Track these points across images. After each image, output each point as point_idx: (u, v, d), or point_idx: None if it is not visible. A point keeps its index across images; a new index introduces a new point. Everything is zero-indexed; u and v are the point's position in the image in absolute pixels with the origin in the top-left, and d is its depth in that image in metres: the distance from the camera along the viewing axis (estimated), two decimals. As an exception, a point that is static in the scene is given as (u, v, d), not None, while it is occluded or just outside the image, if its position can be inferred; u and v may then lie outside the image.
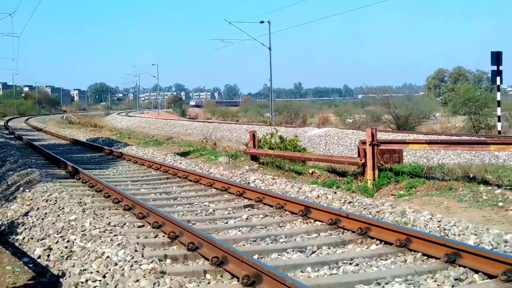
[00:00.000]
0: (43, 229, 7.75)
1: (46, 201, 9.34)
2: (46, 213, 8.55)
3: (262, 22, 44.88)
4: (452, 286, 5.13)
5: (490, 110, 38.84)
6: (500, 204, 8.52)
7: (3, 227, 8.87)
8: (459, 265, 5.52)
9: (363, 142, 11.79)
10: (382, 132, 28.76)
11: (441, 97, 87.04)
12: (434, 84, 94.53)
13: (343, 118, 66.59)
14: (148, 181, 12.33)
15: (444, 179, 10.67)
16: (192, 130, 47.54)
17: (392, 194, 10.23)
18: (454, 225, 6.98)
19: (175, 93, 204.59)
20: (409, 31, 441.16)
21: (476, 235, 6.54)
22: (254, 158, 15.74)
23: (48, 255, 6.74)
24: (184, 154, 18.13)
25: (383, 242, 6.58)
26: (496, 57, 22.70)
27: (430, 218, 7.43)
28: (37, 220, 8.38)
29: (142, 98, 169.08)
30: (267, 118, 53.25)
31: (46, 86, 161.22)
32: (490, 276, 5.21)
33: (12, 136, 31.54)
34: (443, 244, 5.83)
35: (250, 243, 6.87)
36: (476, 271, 5.34)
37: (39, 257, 6.81)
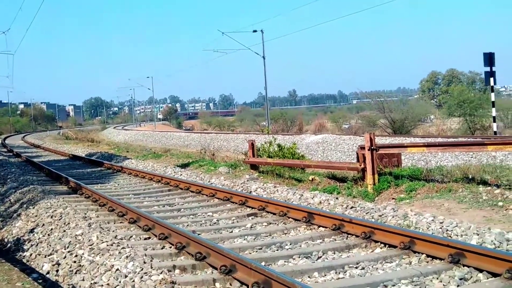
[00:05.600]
0: (50, 245, 7.83)
1: (51, 217, 9.41)
2: (52, 229, 8.63)
3: (255, 31, 44.97)
4: (458, 285, 5.23)
5: (485, 111, 39.06)
6: (500, 203, 8.62)
7: (9, 245, 8.95)
8: (463, 265, 5.63)
9: (362, 147, 11.91)
10: (379, 136, 28.82)
11: (435, 100, 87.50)
12: (428, 87, 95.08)
13: (339, 124, 66.80)
14: (151, 194, 12.41)
15: (443, 181, 10.78)
16: (190, 142, 47.58)
17: (393, 198, 10.33)
18: (456, 226, 7.10)
19: (170, 104, 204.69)
20: (401, 35, 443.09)
21: (478, 235, 6.65)
22: (254, 167, 15.83)
23: (57, 270, 6.81)
24: (183, 166, 18.21)
25: (387, 245, 6.68)
26: (489, 58, 22.85)
27: (432, 220, 7.54)
28: (43, 236, 8.46)
29: (138, 111, 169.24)
30: (263, 127, 53.31)
31: (41, 103, 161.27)
32: (494, 275, 5.31)
33: (11, 153, 31.54)
34: (447, 245, 5.94)
35: (256, 251, 6.97)
36: (480, 270, 5.43)
37: (48, 273, 6.88)
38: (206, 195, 11.26)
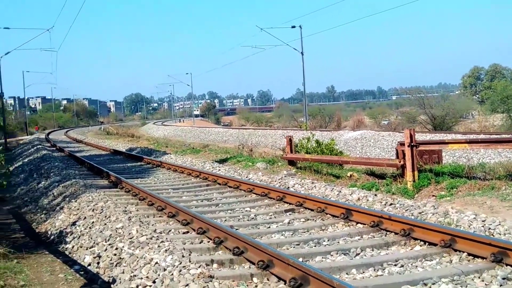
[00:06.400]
0: (91, 238, 7.99)
1: (92, 210, 9.61)
2: (93, 222, 8.81)
3: (293, 27, 44.77)
4: (500, 285, 5.11)
5: (530, 107, 38.01)
6: (545, 202, 8.38)
7: (52, 237, 9.18)
8: (506, 264, 5.50)
9: (402, 144, 11.75)
10: (419, 133, 28.37)
11: (477, 96, 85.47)
12: (470, 82, 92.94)
13: (378, 120, 66.08)
14: (189, 189, 12.52)
15: (486, 178, 10.54)
16: (228, 137, 47.88)
17: (433, 195, 10.16)
18: (499, 224, 6.94)
19: (208, 100, 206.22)
20: (442, 29, 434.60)
21: (522, 233, 6.48)
22: (292, 163, 15.80)
23: (98, 263, 6.95)
24: (221, 161, 18.32)
25: (427, 243, 6.58)
26: (535, 53, 22.22)
27: (474, 218, 7.38)
28: (85, 229, 8.64)
29: (177, 107, 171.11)
30: (301, 122, 53.19)
31: (84, 99, 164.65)
32: (539, 275, 5.17)
33: (54, 148, 32.30)
34: (489, 244, 5.81)
35: (294, 247, 6.95)
36: (524, 270, 5.30)
37: (89, 265, 7.03)
38: (244, 191, 11.30)
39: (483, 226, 6.98)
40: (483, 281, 5.23)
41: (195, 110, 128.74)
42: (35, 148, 31.09)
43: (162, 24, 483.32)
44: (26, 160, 25.21)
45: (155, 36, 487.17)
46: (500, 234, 6.67)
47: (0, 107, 43.97)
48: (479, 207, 8.65)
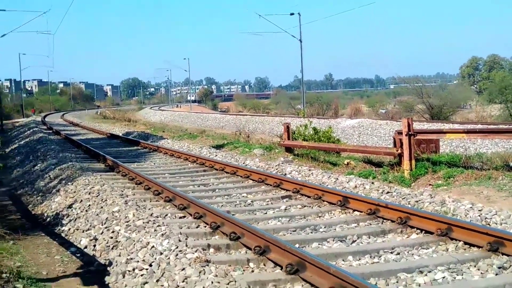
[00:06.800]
0: (87, 220, 7.99)
1: (89, 193, 9.58)
2: (89, 205, 8.79)
3: (292, 14, 44.51)
4: (496, 274, 5.13)
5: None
6: (542, 192, 8.39)
7: (48, 219, 9.17)
8: (502, 254, 5.52)
9: (399, 132, 11.73)
10: (416, 122, 28.40)
11: (475, 86, 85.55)
12: (468, 72, 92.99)
13: (375, 109, 66.02)
14: (186, 174, 12.50)
15: (483, 168, 10.55)
16: (225, 123, 47.83)
17: (430, 184, 10.17)
18: (496, 214, 6.96)
19: (206, 86, 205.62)
20: (441, 19, 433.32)
21: (518, 223, 6.49)
22: (289, 149, 15.79)
23: (94, 245, 6.96)
24: (218, 147, 18.29)
25: (423, 231, 6.59)
26: (534, 44, 22.19)
27: (471, 207, 7.40)
28: (81, 211, 8.64)
29: (174, 92, 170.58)
30: (298, 110, 53.08)
31: (80, 82, 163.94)
32: (535, 264, 5.18)
33: (51, 131, 32.21)
34: (486, 233, 5.82)
35: (290, 233, 6.97)
36: (520, 259, 5.31)
37: (85, 247, 7.04)
38: (241, 176, 11.30)
39: (479, 216, 7.00)
40: (478, 269, 5.25)
41: (192, 96, 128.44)
42: (31, 130, 31.01)
43: (161, 9, 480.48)
44: (22, 142, 25.14)
45: (153, 21, 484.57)
46: (496, 223, 6.69)
47: (-3, 89, 43.72)
48: (476, 197, 8.67)
